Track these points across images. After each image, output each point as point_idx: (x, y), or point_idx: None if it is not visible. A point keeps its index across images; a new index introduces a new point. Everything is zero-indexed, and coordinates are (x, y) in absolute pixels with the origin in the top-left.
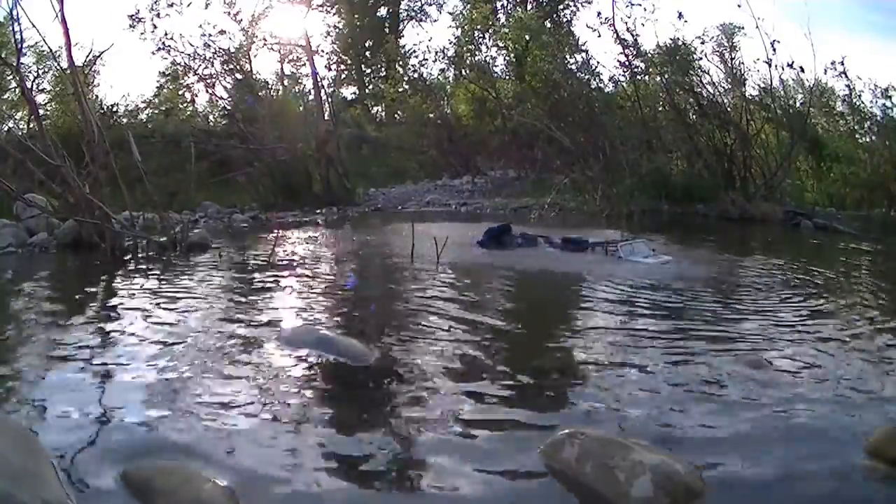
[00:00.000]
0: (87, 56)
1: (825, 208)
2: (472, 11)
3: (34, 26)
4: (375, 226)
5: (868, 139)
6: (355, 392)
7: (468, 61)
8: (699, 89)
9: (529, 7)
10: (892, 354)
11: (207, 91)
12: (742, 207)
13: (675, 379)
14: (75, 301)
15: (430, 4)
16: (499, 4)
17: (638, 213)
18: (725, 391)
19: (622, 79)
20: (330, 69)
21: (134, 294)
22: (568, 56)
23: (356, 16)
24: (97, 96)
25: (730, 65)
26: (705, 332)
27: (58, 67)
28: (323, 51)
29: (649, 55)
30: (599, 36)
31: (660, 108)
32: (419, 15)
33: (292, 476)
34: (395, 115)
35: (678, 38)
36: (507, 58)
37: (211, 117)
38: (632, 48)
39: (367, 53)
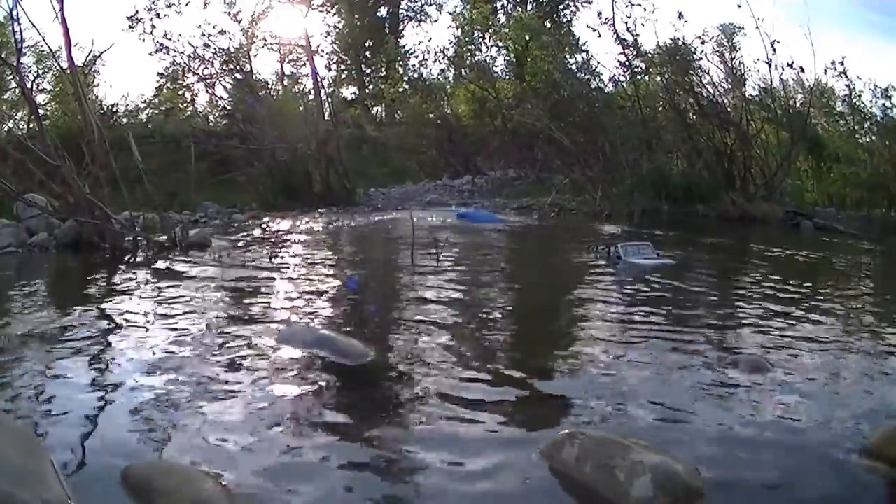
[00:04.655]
0: (87, 56)
1: (825, 208)
2: (472, 11)
3: (34, 26)
4: (375, 226)
5: (868, 139)
6: (355, 391)
7: (468, 61)
8: (699, 89)
9: (529, 7)
10: (892, 355)
11: (207, 91)
12: (742, 208)
13: (674, 379)
14: (75, 301)
15: (430, 4)
16: (499, 4)
17: (638, 214)
18: (725, 391)
19: (622, 79)
20: (330, 69)
21: (134, 294)
22: (568, 56)
23: (356, 16)
24: (97, 96)
25: (730, 65)
26: (705, 332)
27: (58, 67)
28: (323, 51)
29: (649, 55)
30: (599, 36)
31: (660, 108)
32: (419, 15)
33: (292, 475)
34: (395, 115)
35: (678, 38)
36: (507, 58)
37: (211, 117)
38: (632, 48)
39: (367, 53)
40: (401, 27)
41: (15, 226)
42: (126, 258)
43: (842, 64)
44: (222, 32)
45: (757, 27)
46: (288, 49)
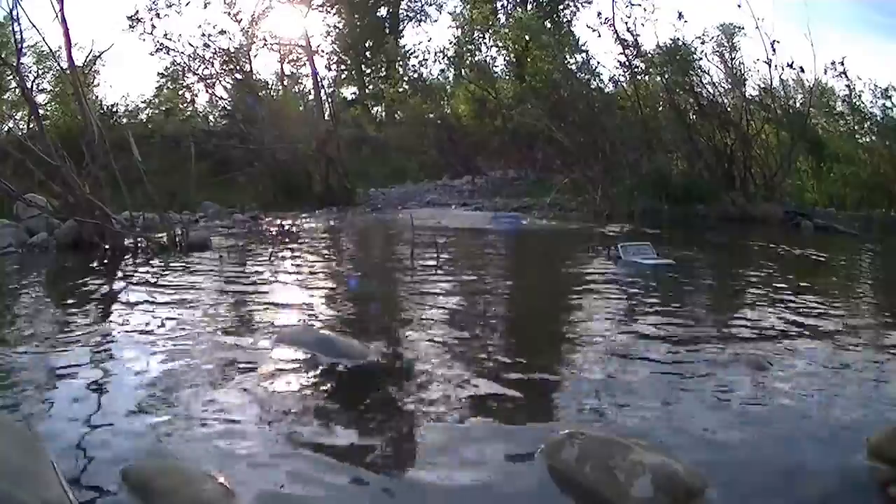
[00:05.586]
0: (87, 56)
1: (825, 208)
2: (472, 11)
3: (34, 26)
4: (374, 226)
5: (868, 139)
6: (355, 392)
7: (468, 61)
8: (699, 89)
9: (529, 7)
10: (892, 354)
11: (207, 91)
12: (742, 208)
13: (674, 379)
14: (75, 301)
15: (430, 4)
16: (499, 4)
17: (638, 213)
18: (725, 391)
19: (622, 79)
20: (330, 69)
21: (133, 294)
22: (568, 56)
23: (356, 16)
24: (97, 96)
25: (730, 65)
26: (705, 331)
27: (58, 67)
28: (323, 51)
29: (649, 55)
30: (599, 36)
31: (660, 109)
32: (419, 15)
33: (292, 476)
34: (395, 115)
35: (678, 39)
36: (507, 58)
37: (211, 117)
38: (632, 48)
39: (367, 53)
40: (401, 27)
41: (15, 226)
42: (126, 258)
43: (842, 64)
44: (222, 32)
45: (757, 27)
46: (288, 49)
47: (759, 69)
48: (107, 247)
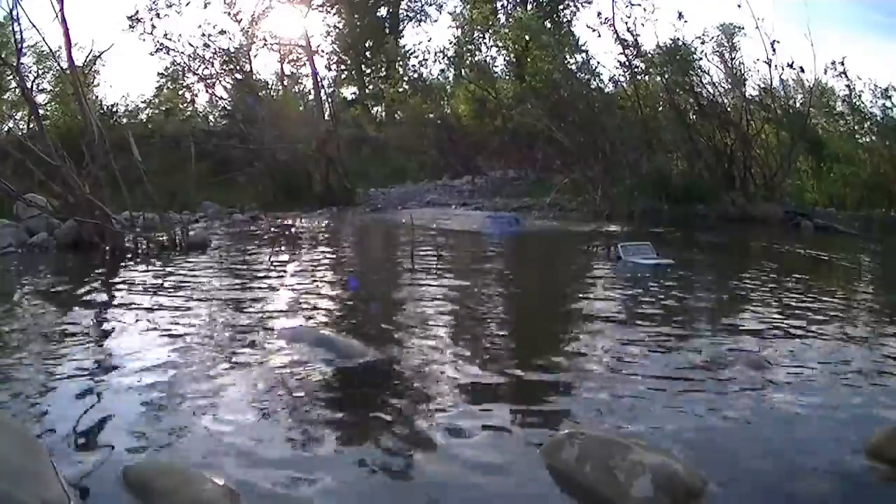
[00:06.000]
0: (87, 56)
1: (825, 208)
2: (472, 11)
3: (34, 26)
4: (374, 226)
5: (868, 139)
6: (355, 392)
7: (468, 61)
8: (699, 89)
9: (529, 7)
10: (891, 354)
11: (207, 91)
12: (742, 208)
13: (674, 379)
14: (75, 301)
15: (430, 4)
16: (499, 4)
17: (638, 213)
18: (725, 391)
19: (622, 79)
20: (330, 69)
21: (133, 294)
22: (568, 56)
23: (356, 16)
24: (97, 96)
25: (730, 65)
26: (705, 331)
27: (58, 67)
28: (323, 51)
29: (649, 55)
30: (599, 36)
31: (660, 109)
32: (419, 15)
33: (292, 476)
34: (395, 115)
35: (678, 39)
36: (507, 58)
37: (211, 117)
38: (632, 48)
39: (367, 53)
40: (401, 27)
41: (15, 226)
42: (126, 258)
43: (842, 64)
44: (222, 32)
45: (757, 27)
46: (288, 49)
47: (759, 69)
48: (107, 247)
